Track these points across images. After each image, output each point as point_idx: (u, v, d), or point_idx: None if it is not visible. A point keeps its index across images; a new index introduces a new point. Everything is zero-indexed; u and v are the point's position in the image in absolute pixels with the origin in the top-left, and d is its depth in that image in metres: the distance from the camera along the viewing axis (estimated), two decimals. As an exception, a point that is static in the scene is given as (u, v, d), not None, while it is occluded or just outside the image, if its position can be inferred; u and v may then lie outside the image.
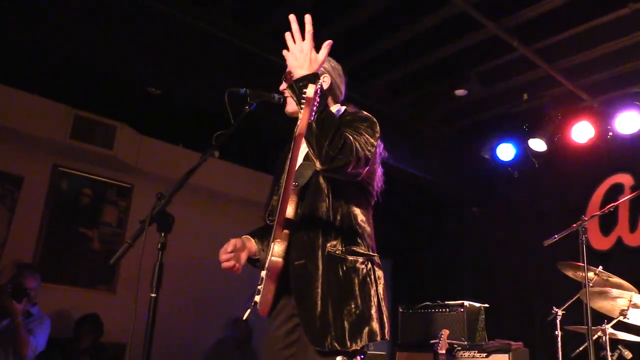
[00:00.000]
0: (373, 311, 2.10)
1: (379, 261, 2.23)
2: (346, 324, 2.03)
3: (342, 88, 2.44)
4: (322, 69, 2.37)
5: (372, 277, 2.15)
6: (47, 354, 4.36)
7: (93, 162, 5.79)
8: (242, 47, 4.78)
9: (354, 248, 2.14)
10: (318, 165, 2.00)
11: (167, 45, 4.42)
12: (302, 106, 1.88)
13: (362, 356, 2.08)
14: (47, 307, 4.77)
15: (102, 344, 5.06)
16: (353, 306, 2.06)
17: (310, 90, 1.85)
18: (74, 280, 5.58)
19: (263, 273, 2.14)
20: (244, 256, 2.31)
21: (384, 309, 2.16)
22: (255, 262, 2.36)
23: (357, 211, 2.21)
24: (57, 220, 5.58)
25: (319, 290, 2.07)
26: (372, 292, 2.12)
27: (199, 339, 6.14)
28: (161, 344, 2.41)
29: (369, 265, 2.16)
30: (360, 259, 2.13)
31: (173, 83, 4.65)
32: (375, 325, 2.08)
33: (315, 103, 1.90)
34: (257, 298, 2.13)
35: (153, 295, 1.72)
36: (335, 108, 2.33)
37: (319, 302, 2.06)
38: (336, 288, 2.07)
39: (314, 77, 1.97)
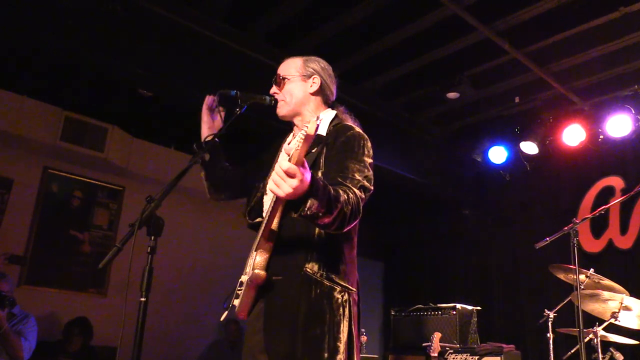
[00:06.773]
0: (339, 343, 1.95)
1: (357, 298, 2.09)
2: (309, 350, 1.91)
3: (333, 89, 2.38)
4: (311, 70, 2.32)
5: (346, 310, 2.01)
6: (37, 357, 4.32)
7: (84, 164, 5.75)
8: (234, 49, 4.77)
9: (334, 276, 2.02)
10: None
11: (158, 46, 4.40)
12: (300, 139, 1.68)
13: None
14: (38, 310, 4.74)
15: (91, 347, 5.04)
16: (319, 332, 1.93)
17: (311, 128, 1.65)
18: (65, 283, 5.54)
19: (244, 278, 2.09)
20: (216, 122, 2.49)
21: (354, 351, 2.00)
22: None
23: (343, 238, 2.07)
24: (47, 223, 5.54)
25: (288, 310, 1.97)
26: (342, 326, 1.98)
27: (189, 342, 6.11)
28: (151, 347, 2.39)
29: (345, 297, 2.02)
30: (338, 288, 2.01)
31: (164, 85, 4.62)
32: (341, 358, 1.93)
33: (311, 140, 1.68)
34: (236, 302, 2.09)
35: (143, 299, 1.71)
36: (326, 113, 2.27)
37: (285, 322, 1.97)
38: (305, 310, 1.96)
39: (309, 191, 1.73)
